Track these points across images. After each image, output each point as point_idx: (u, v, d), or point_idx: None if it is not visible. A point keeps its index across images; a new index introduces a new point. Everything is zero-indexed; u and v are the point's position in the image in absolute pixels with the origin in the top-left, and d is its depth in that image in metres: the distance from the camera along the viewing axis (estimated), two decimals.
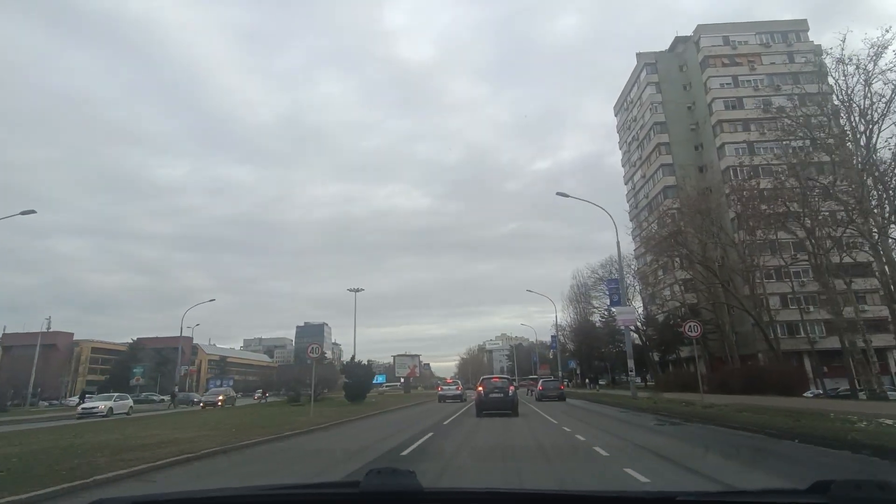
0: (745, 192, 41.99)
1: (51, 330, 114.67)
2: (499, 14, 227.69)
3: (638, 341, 69.99)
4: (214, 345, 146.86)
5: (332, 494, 1.91)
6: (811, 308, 48.99)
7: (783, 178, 38.03)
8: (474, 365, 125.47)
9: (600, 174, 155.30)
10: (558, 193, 28.13)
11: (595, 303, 54.88)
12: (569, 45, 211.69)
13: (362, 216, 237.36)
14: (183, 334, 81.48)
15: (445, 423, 18.04)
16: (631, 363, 25.88)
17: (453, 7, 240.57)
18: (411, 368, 73.63)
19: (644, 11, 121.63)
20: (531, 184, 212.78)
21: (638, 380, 72.45)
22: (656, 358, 56.67)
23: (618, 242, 27.53)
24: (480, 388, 22.25)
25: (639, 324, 56.31)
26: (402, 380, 75.97)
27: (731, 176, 51.29)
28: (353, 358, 34.22)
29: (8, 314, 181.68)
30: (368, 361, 36.97)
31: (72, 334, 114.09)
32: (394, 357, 78.01)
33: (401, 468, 1.82)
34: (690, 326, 20.18)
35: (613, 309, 26.24)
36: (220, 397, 39.88)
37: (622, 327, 26.45)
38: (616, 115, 71.26)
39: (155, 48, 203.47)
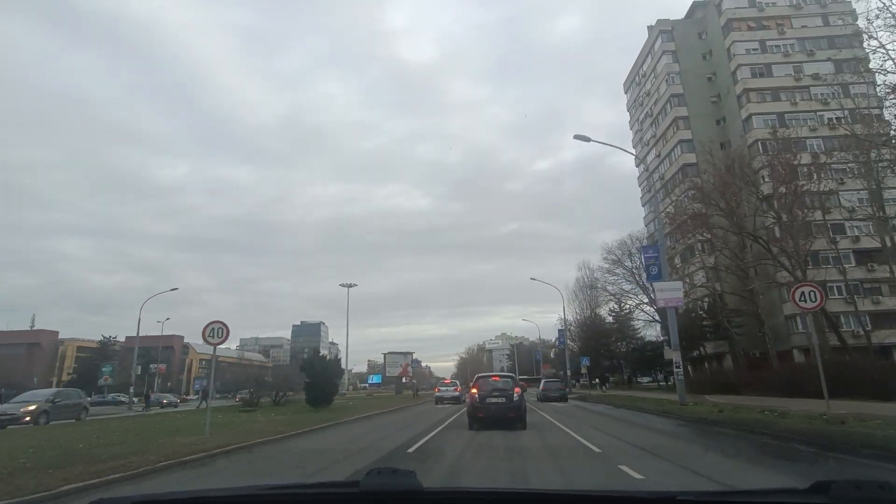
0: (781, 168, 34.95)
1: (34, 328, 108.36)
2: (500, 15, 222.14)
3: (653, 338, 62.65)
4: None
5: (333, 494, 1.84)
6: (854, 297, 41.80)
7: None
8: (473, 365, 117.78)
9: (601, 175, 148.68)
10: (576, 136, 21.08)
11: (611, 288, 46.93)
12: (570, 45, 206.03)
13: (362, 216, 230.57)
14: (150, 332, 74.39)
15: (412, 449, 10.71)
16: (677, 356, 18.57)
17: (454, 8, 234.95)
18: (403, 367, 66.18)
19: (644, 12, 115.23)
20: (532, 184, 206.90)
21: (664, 378, 64.40)
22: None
23: (656, 195, 20.31)
24: (475, 391, 15.14)
25: (657, 316, 49.02)
26: (408, 380, 68.53)
27: (760, 150, 44.18)
28: (317, 352, 26.46)
29: (8, 314, 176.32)
30: (337, 356, 29.57)
31: (56, 332, 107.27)
32: (384, 355, 70.56)
33: (401, 468, 1.77)
34: (805, 294, 12.84)
35: (653, 285, 18.90)
36: (30, 407, 21.29)
37: (664, 309, 19.08)
38: (626, 92, 63.92)
39: (155, 48, 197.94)
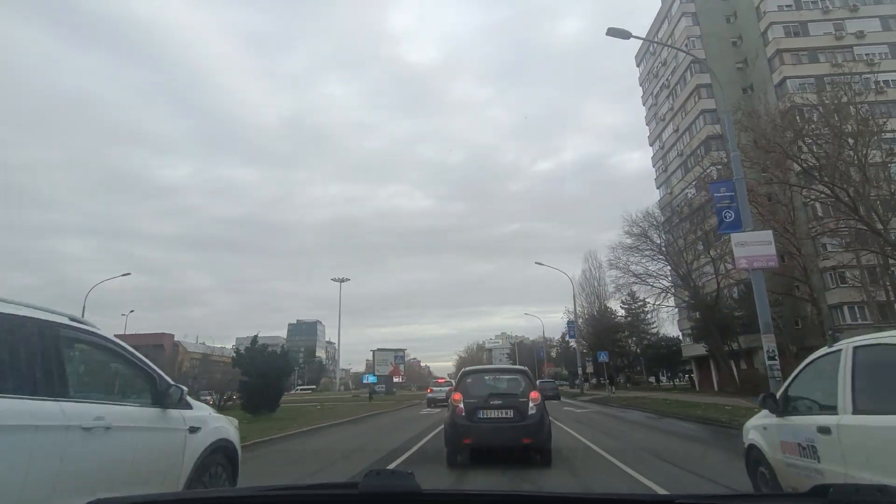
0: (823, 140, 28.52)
1: None
2: (502, 16, 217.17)
3: (665, 333, 55.77)
4: (204, 343, 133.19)
5: (331, 496, 1.78)
6: None
7: None
8: (472, 364, 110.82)
9: (601, 175, 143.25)
10: (609, 32, 14.39)
11: (634, 269, 38.63)
12: (571, 47, 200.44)
13: (364, 217, 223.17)
14: (140, 330, 67.36)
15: None
16: (771, 342, 11.76)
17: (457, 10, 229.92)
18: (393, 365, 59.23)
19: (644, 13, 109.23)
20: (533, 185, 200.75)
21: (684, 376, 57.40)
22: (703, 352, 42.44)
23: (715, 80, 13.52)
24: (458, 397, 8.16)
25: (674, 307, 42.22)
26: (404, 379, 61.53)
27: (797, 119, 37.54)
28: (255, 340, 19.19)
29: None
30: (283, 348, 22.46)
31: None
32: (373, 352, 63.76)
33: (399, 469, 1.52)
34: None
35: (731, 237, 12.11)
36: None
37: (747, 271, 12.32)
38: (638, 65, 57.07)
39: (158, 49, 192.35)
